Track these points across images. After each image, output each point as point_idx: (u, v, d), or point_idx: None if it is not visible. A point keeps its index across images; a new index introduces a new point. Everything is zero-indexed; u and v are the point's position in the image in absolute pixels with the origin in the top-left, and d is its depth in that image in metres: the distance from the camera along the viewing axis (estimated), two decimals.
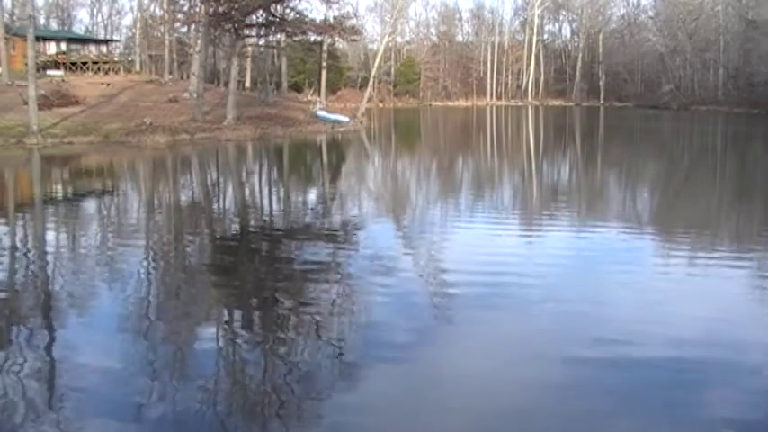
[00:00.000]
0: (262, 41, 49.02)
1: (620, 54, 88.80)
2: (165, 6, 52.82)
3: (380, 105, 79.25)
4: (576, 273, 10.28)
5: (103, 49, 58.43)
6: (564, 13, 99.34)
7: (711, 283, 9.73)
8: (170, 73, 53.18)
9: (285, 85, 61.37)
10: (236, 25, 40.09)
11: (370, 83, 57.43)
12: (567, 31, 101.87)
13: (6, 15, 53.59)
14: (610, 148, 36.85)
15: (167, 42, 53.43)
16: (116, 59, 58.91)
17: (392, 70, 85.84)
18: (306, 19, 44.75)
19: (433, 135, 49.14)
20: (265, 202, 19.22)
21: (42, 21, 76.34)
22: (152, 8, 65.45)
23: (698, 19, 76.93)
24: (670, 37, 79.02)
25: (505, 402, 6.07)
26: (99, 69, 52.05)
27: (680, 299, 8.89)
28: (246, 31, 42.63)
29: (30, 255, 12.13)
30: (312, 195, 20.26)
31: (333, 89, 71.31)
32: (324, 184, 22.49)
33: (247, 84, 59.04)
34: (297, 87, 69.54)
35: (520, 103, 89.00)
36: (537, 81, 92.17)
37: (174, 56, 55.12)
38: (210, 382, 6.37)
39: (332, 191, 20.65)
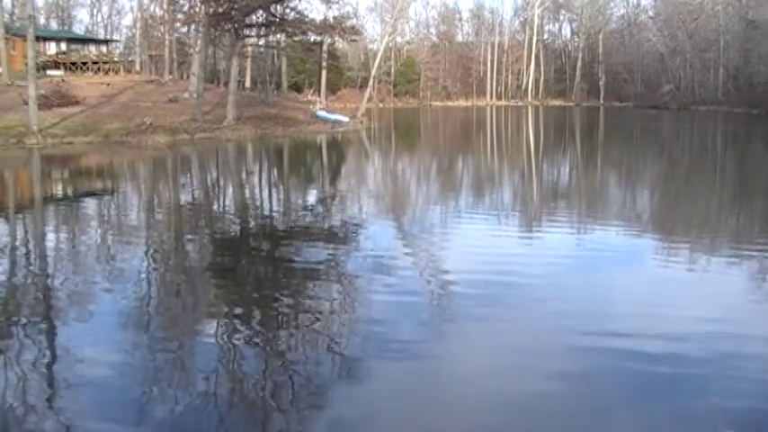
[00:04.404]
0: (262, 41, 49.03)
1: (620, 54, 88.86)
2: (165, 6, 52.86)
3: (380, 105, 79.23)
4: (577, 272, 10.28)
5: (103, 49, 58.40)
6: (564, 13, 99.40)
7: (711, 283, 9.73)
8: (170, 73, 53.17)
9: (285, 85, 61.40)
10: (236, 25, 40.12)
11: (370, 83, 57.42)
12: (567, 31, 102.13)
13: (6, 15, 53.64)
14: (610, 147, 36.83)
15: (167, 42, 53.42)
16: (116, 59, 58.83)
17: (392, 70, 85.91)
18: (306, 19, 44.83)
19: (433, 135, 49.13)
20: (265, 201, 19.22)
21: (42, 21, 76.41)
22: (152, 8, 65.56)
23: (698, 19, 76.92)
24: (670, 37, 79.04)
25: (506, 399, 6.08)
26: (99, 69, 52.05)
27: (680, 298, 8.89)
28: (246, 31, 42.66)
29: (30, 254, 12.14)
30: (312, 195, 20.26)
31: (333, 89, 71.33)
32: (324, 184, 22.49)
33: (247, 84, 59.04)
34: (297, 87, 69.58)
35: (520, 103, 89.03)
36: (537, 81, 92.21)
37: (174, 56, 55.11)
38: (211, 377, 6.42)
39: (332, 191, 20.64)
